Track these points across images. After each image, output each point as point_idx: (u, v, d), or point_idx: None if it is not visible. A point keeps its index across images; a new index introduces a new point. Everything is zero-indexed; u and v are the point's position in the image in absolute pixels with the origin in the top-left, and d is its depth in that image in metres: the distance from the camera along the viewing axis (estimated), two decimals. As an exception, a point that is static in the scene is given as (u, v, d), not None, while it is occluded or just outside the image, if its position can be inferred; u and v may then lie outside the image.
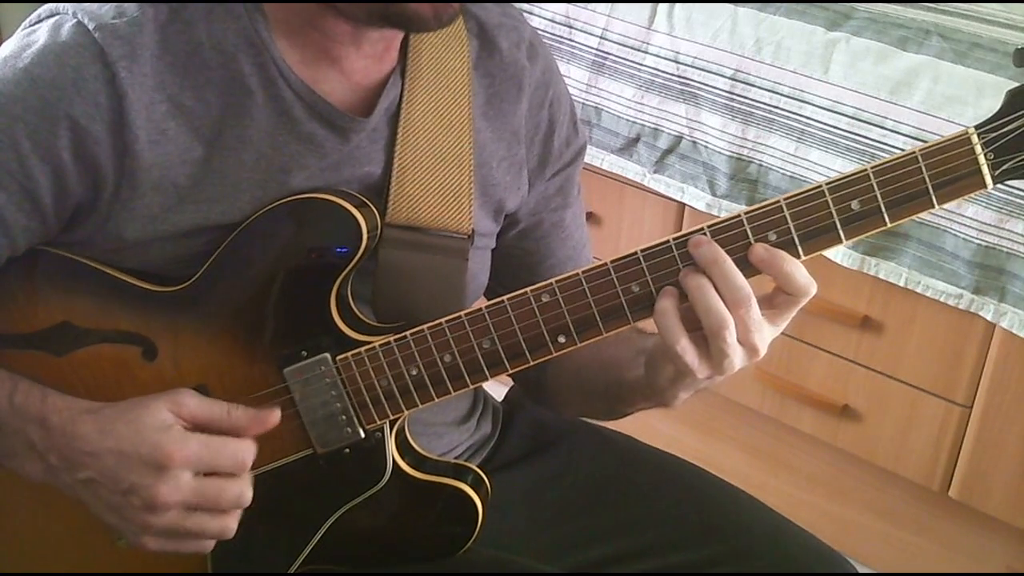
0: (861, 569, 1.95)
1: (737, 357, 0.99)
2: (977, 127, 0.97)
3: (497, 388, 1.32)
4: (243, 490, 1.03)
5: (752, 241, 0.99)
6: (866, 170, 0.97)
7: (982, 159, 0.97)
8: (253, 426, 1.04)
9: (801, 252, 0.99)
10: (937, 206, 0.98)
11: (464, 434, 1.32)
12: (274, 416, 1.05)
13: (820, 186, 0.98)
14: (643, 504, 1.30)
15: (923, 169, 0.97)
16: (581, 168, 1.31)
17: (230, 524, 1.04)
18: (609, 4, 2.20)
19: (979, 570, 2.09)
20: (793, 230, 0.99)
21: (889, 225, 0.99)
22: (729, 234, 0.99)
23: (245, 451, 1.03)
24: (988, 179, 0.97)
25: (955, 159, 0.97)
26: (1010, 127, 0.96)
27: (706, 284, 0.98)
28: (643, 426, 1.42)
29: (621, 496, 1.31)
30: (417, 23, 1.01)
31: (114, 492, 1.00)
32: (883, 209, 0.98)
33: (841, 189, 0.98)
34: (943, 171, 0.97)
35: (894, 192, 0.98)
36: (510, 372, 1.07)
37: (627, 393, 1.15)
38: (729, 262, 0.98)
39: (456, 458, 1.29)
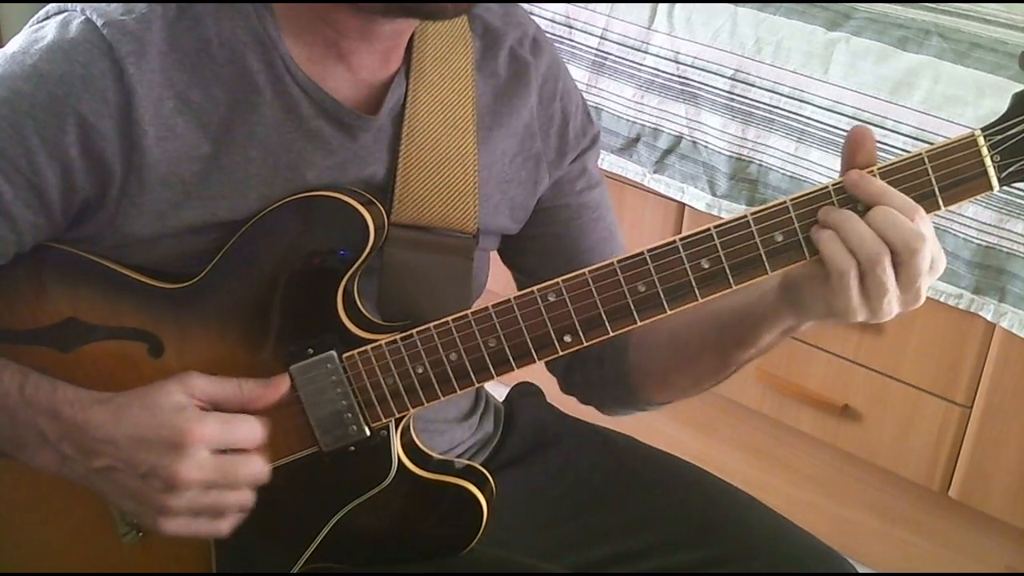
0: (861, 569, 1.95)
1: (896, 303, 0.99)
2: (983, 129, 0.97)
3: (498, 388, 1.32)
4: (259, 465, 1.03)
5: (758, 242, 0.99)
6: (872, 171, 0.98)
7: (988, 161, 0.97)
8: (266, 395, 1.04)
9: (807, 253, 0.99)
10: (943, 207, 0.98)
11: (466, 432, 1.32)
12: (283, 383, 1.05)
13: (826, 187, 0.98)
14: (643, 504, 1.30)
15: (929, 171, 0.97)
16: (598, 156, 1.31)
17: (247, 497, 1.04)
18: (609, 4, 2.20)
19: (979, 570, 2.09)
20: (799, 231, 0.99)
21: (895, 226, 0.99)
22: (734, 235, 0.99)
23: (260, 425, 1.03)
24: (994, 181, 0.97)
25: (961, 161, 0.97)
26: (1016, 129, 0.96)
27: (896, 216, 0.97)
28: (643, 426, 1.43)
29: (621, 496, 1.32)
30: (435, 12, 1.02)
31: (132, 476, 1.00)
32: (889, 210, 0.98)
33: (847, 191, 0.98)
34: (949, 173, 0.97)
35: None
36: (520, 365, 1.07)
37: (750, 327, 1.10)
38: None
39: (459, 456, 1.29)
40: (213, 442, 1.00)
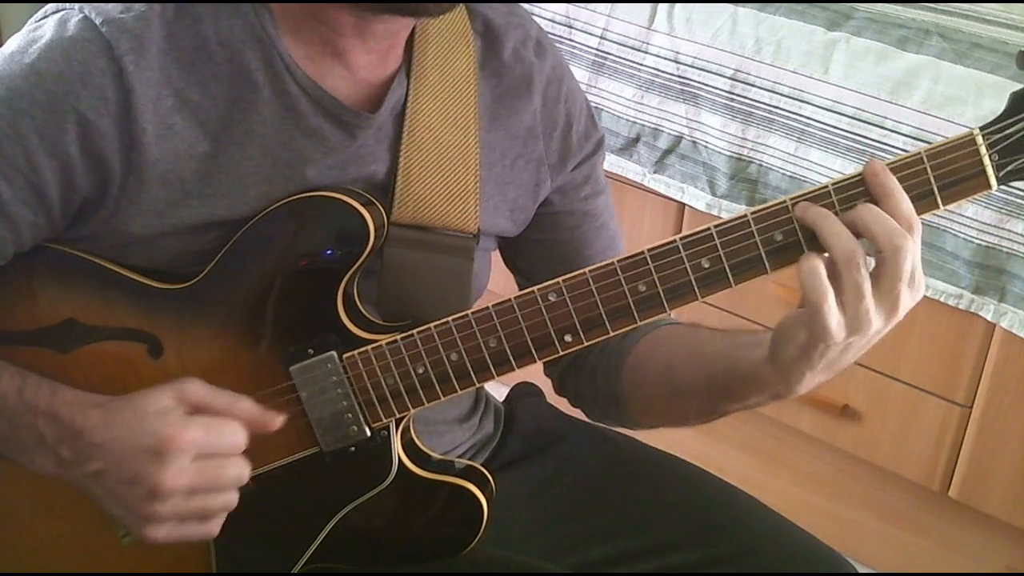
0: (861, 569, 1.95)
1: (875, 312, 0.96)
2: (982, 128, 0.97)
3: (498, 388, 1.32)
4: (242, 467, 1.02)
5: (758, 241, 0.99)
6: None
7: (987, 160, 0.97)
8: (258, 423, 1.04)
9: (806, 251, 0.99)
10: (942, 207, 0.98)
11: (466, 433, 1.32)
12: (277, 421, 1.05)
13: (826, 187, 0.98)
14: (643, 504, 1.30)
15: (928, 170, 0.97)
16: (603, 160, 1.30)
17: (232, 498, 1.03)
18: (609, 4, 2.20)
19: (979, 570, 2.09)
20: (799, 230, 0.99)
21: (894, 226, 0.99)
22: (735, 235, 0.99)
23: (240, 430, 1.02)
24: (992, 180, 0.97)
25: (960, 160, 0.97)
26: (1014, 128, 0.96)
27: (881, 212, 0.95)
28: (643, 426, 1.42)
29: (622, 496, 1.32)
30: (419, 9, 1.02)
31: (119, 483, 1.00)
32: (889, 210, 0.98)
33: (847, 190, 0.98)
34: (948, 172, 0.97)
35: None
36: (514, 369, 1.07)
37: (740, 384, 1.08)
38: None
39: (459, 457, 1.29)
40: (196, 448, 0.99)
